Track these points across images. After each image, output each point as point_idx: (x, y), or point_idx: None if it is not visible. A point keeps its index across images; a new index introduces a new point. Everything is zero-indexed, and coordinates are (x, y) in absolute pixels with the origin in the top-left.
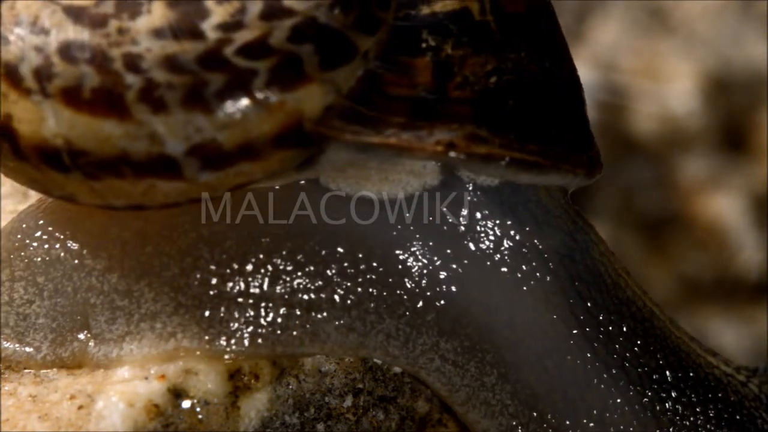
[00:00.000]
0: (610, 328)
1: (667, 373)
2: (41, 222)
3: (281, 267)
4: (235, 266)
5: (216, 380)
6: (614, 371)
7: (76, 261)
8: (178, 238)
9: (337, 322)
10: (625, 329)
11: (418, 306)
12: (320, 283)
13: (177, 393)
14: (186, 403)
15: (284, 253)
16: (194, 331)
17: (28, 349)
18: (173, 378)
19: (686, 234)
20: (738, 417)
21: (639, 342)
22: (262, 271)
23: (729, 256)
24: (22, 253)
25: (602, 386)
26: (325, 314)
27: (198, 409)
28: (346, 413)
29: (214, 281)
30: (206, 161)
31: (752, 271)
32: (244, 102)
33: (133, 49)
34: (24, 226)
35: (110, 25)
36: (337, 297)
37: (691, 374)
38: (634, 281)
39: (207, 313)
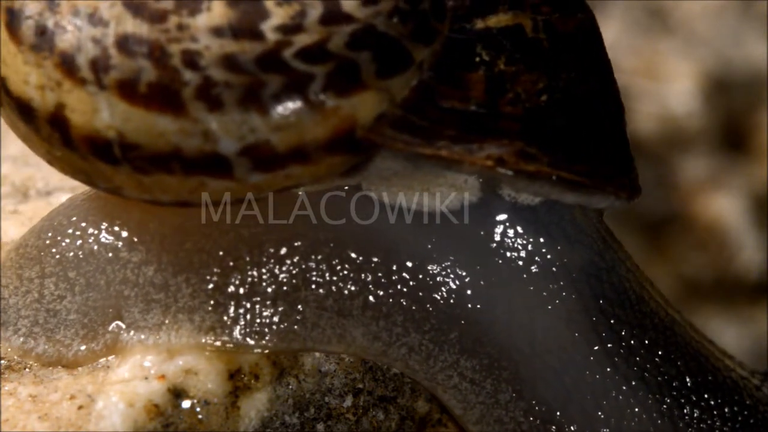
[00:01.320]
0: (632, 341)
1: (687, 378)
2: (74, 218)
3: (316, 271)
4: (273, 268)
5: (216, 380)
6: (633, 382)
7: (111, 254)
8: (218, 237)
9: (364, 329)
10: (646, 341)
11: (444, 323)
12: (353, 289)
13: (177, 393)
14: (186, 403)
15: (320, 257)
16: (232, 327)
17: (60, 348)
18: (173, 378)
19: (686, 234)
20: (752, 421)
21: (660, 352)
22: (297, 272)
23: (729, 256)
24: (53, 250)
25: (620, 397)
26: (353, 320)
27: (198, 409)
28: (346, 413)
29: (252, 281)
30: (258, 162)
31: (752, 271)
32: (300, 105)
33: (192, 46)
34: (56, 223)
35: (170, 21)
36: (367, 306)
37: (710, 378)
38: (656, 291)
39: (244, 311)
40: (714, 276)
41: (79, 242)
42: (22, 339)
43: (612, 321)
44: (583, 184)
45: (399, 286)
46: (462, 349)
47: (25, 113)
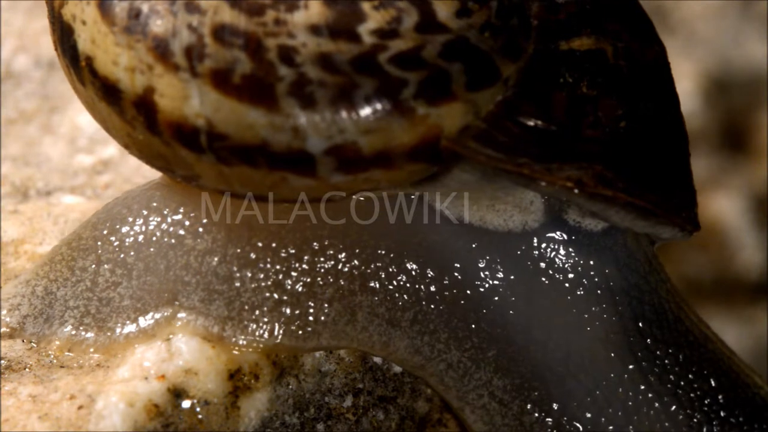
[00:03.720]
0: (666, 360)
1: (719, 395)
2: (135, 207)
3: (375, 279)
4: (333, 271)
5: (216, 380)
6: (666, 398)
7: (174, 241)
8: (285, 236)
9: (408, 341)
10: (681, 359)
11: (484, 341)
12: (407, 301)
13: (177, 393)
14: (186, 403)
15: (379, 265)
16: (291, 328)
17: (111, 335)
18: (173, 378)
19: None
20: None
21: (694, 368)
22: (356, 276)
23: (729, 256)
24: (112, 238)
25: (651, 413)
26: (401, 332)
27: (198, 409)
28: (346, 413)
29: (311, 282)
30: (342, 163)
31: (752, 271)
32: (391, 110)
33: (289, 42)
34: (114, 212)
35: (267, 15)
36: (416, 320)
37: (741, 395)
38: (691, 309)
39: (301, 311)
40: (714, 276)
41: (140, 229)
42: (69, 330)
43: (648, 341)
44: (655, 213)
45: (449, 304)
46: (497, 368)
47: (109, 94)
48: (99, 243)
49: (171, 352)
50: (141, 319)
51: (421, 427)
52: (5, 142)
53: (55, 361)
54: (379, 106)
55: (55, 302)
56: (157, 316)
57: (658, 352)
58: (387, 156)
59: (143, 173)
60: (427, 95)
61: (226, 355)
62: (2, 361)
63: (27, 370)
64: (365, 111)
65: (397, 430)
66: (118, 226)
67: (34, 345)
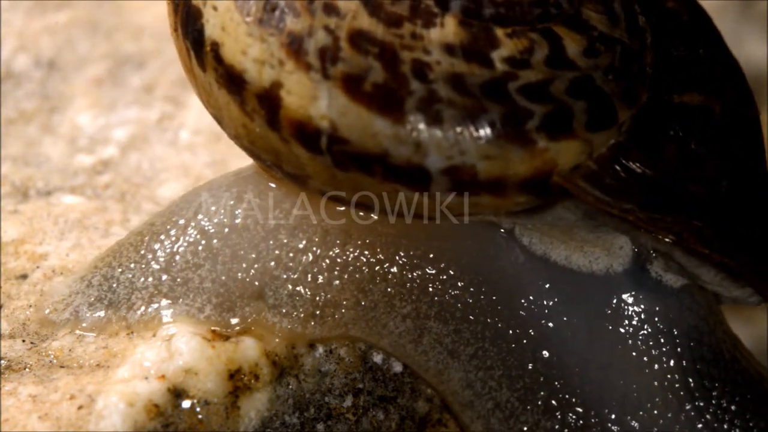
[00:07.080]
0: (723, 399)
1: None
2: (223, 196)
3: (450, 309)
4: (416, 292)
5: (216, 380)
6: None
7: (265, 234)
8: (378, 247)
9: (463, 374)
10: (738, 398)
11: (536, 382)
12: (471, 336)
13: (177, 393)
14: (186, 403)
15: (457, 294)
16: (362, 326)
17: (190, 309)
18: (173, 378)
19: None
20: None
21: (751, 407)
22: (435, 300)
23: None
24: (192, 224)
25: None
26: (458, 364)
27: (198, 409)
28: (346, 413)
29: (392, 294)
30: (456, 184)
31: None
32: (514, 139)
33: (424, 58)
34: (201, 200)
35: (404, 27)
36: (476, 355)
37: None
38: (746, 349)
39: (377, 317)
40: None
41: (228, 219)
42: (140, 311)
43: (706, 381)
44: (743, 276)
45: (510, 343)
46: (545, 410)
47: (233, 83)
48: (175, 230)
49: (171, 351)
50: (224, 307)
51: (421, 427)
52: (5, 142)
53: (55, 361)
54: (502, 133)
55: (118, 286)
56: (242, 305)
57: (714, 392)
58: (501, 183)
59: (143, 173)
60: (550, 129)
61: (226, 355)
62: (2, 361)
63: (27, 370)
64: (489, 136)
65: (397, 430)
66: (200, 216)
67: (34, 344)
